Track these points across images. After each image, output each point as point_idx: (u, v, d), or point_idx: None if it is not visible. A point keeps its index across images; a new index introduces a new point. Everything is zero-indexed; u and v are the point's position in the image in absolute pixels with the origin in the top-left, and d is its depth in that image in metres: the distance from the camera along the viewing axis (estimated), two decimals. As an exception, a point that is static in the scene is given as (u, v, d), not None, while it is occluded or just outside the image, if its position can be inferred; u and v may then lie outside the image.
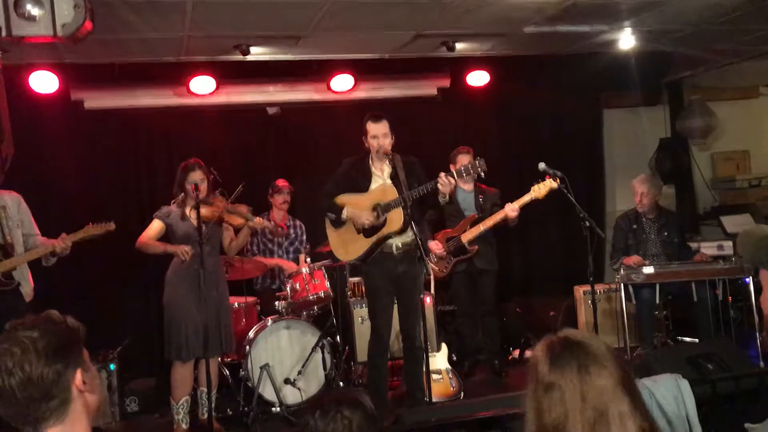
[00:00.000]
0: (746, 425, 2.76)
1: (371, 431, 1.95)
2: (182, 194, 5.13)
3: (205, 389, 5.08)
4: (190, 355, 4.97)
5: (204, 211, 4.85)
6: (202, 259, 4.68)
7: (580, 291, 6.77)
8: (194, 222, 4.92)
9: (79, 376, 1.63)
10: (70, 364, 1.61)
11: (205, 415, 5.08)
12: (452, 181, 4.43)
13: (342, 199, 4.80)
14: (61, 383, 1.59)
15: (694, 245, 6.63)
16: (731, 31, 6.07)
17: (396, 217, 4.62)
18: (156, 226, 5.11)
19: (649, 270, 5.89)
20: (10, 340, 1.57)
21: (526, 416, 1.63)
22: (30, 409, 1.57)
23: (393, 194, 4.62)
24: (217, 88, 6.56)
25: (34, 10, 2.57)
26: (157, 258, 5.17)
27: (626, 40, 6.12)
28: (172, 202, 5.17)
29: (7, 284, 4.80)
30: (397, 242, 4.71)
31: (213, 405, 4.99)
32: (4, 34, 2.55)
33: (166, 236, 5.11)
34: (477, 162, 4.52)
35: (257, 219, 5.20)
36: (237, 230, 5.32)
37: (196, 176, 5.07)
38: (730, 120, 8.19)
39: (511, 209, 5.65)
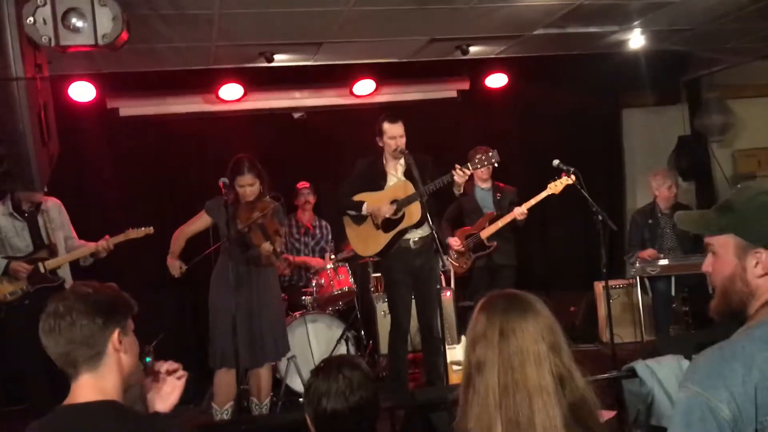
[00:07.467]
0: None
1: (369, 389, 2.17)
2: (233, 194, 4.71)
3: (255, 399, 4.90)
4: (230, 363, 4.67)
5: (243, 215, 4.67)
6: (252, 261, 4.60)
7: (599, 286, 6.87)
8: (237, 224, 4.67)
9: (116, 335, 1.90)
10: (111, 323, 1.89)
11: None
12: (466, 172, 4.63)
13: (360, 197, 4.95)
14: (99, 336, 1.87)
15: (712, 240, 6.68)
16: (741, 29, 6.09)
17: (414, 211, 4.77)
18: (201, 220, 4.82)
19: (663, 262, 6.01)
20: (71, 291, 1.92)
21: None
22: (71, 351, 1.85)
23: (410, 190, 4.78)
24: (245, 94, 6.77)
25: (78, 23, 2.86)
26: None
27: (636, 39, 6.18)
28: (225, 196, 4.60)
29: (54, 281, 5.16)
30: (414, 236, 4.87)
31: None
32: (53, 44, 2.86)
33: (214, 232, 4.82)
34: (490, 153, 4.75)
35: (276, 249, 4.64)
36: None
37: (245, 180, 4.66)
38: (751, 117, 8.18)
39: (520, 212, 5.82)
